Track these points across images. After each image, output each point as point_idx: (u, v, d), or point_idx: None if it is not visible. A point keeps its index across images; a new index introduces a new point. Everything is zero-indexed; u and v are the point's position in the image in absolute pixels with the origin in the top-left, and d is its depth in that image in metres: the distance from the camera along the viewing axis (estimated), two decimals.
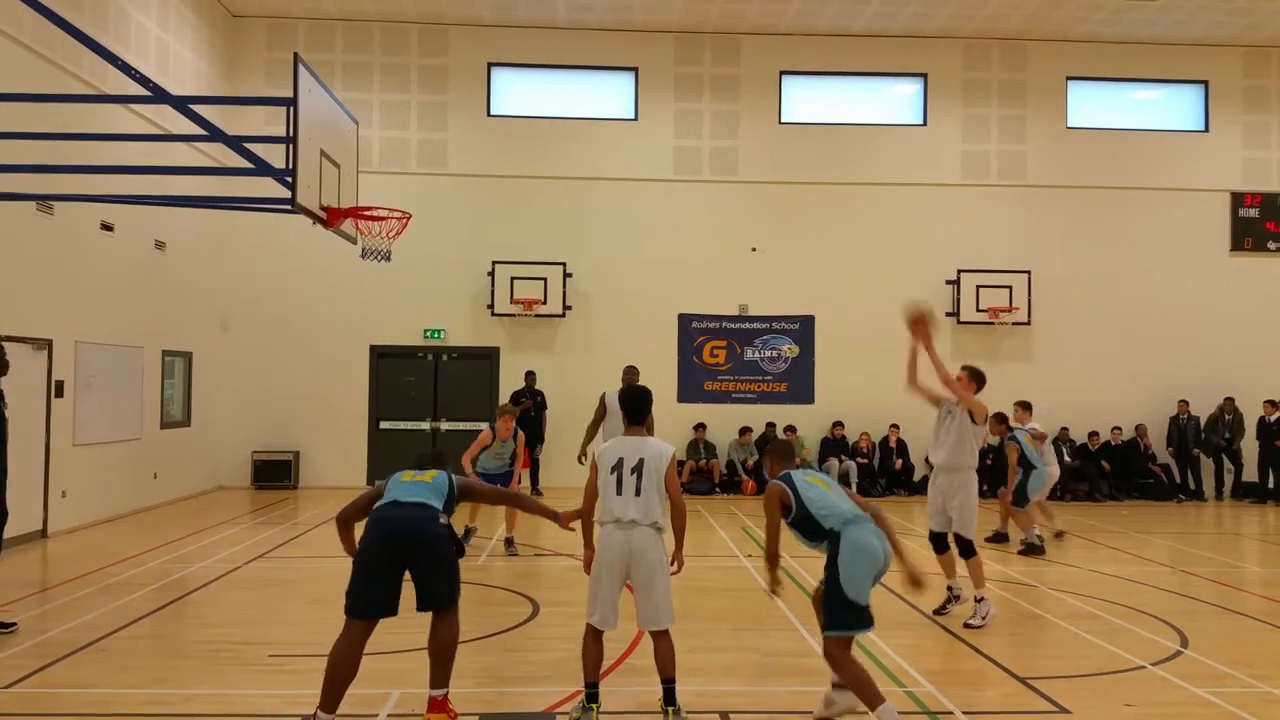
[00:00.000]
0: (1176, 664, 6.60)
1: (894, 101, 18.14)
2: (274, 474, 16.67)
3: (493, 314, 17.01)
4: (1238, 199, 17.93)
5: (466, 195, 17.24)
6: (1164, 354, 17.67)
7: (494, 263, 16.92)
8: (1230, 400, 17.22)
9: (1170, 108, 18.26)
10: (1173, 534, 13.21)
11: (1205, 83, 18.08)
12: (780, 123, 17.75)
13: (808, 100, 17.89)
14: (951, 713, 5.55)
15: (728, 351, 17.56)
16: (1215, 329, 17.68)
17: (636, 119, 17.63)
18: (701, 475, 16.76)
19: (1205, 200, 17.96)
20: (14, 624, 7.12)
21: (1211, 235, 17.96)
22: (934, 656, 6.73)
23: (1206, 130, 18.10)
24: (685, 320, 17.52)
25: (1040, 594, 8.84)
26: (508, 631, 7.32)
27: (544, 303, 16.86)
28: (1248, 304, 17.78)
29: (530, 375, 16.48)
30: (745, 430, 17.04)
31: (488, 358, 17.30)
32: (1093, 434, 17.21)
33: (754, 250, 17.52)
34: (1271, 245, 17.94)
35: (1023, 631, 7.54)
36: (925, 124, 17.88)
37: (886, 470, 17.06)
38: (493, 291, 16.93)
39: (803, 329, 17.60)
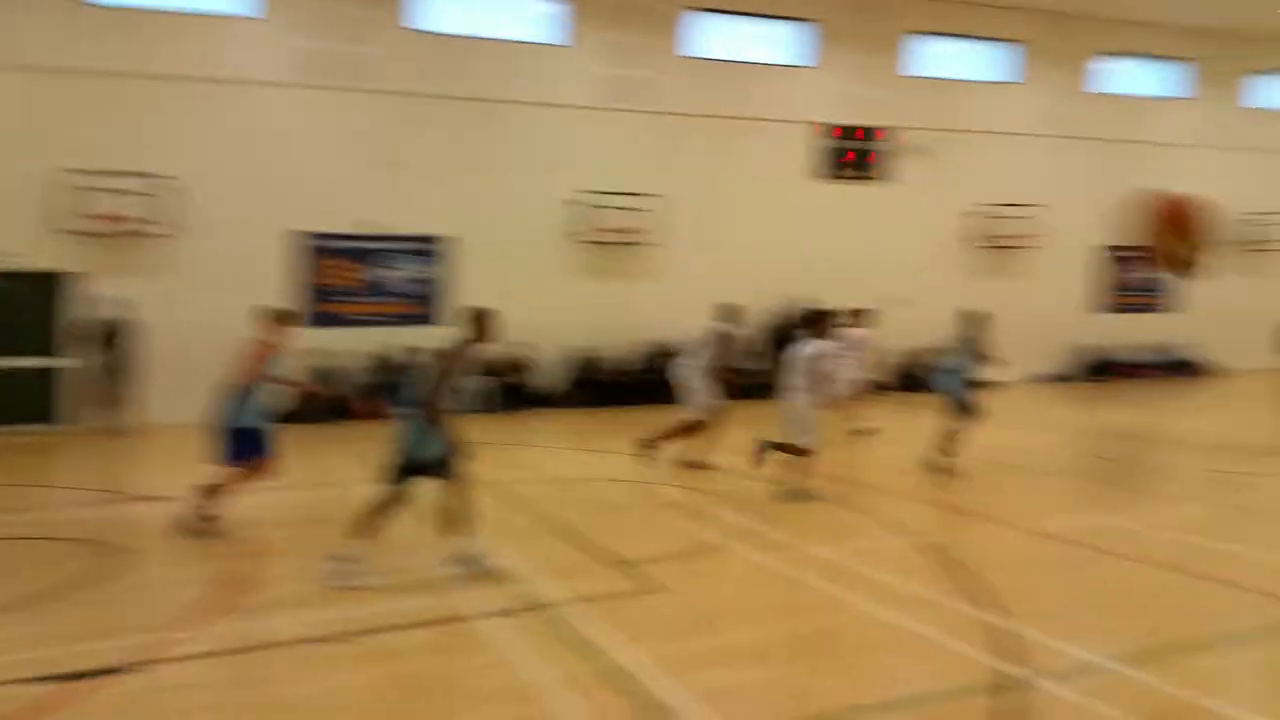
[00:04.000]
0: None
1: (537, 20, 17.72)
2: None
3: (66, 232, 14.54)
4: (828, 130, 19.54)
5: (32, 94, 14.59)
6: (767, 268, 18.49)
7: (66, 171, 14.44)
8: None
9: (782, 43, 19.53)
10: None
11: (816, 22, 19.45)
12: (417, 31, 16.70)
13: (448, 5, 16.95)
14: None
15: (358, 272, 16.51)
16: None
17: (266, 18, 15.74)
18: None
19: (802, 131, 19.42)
20: None
21: (800, 162, 19.45)
22: None
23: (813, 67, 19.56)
24: (307, 238, 16.18)
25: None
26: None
27: (142, 221, 14.69)
28: (834, 222, 19.36)
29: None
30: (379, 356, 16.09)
31: (50, 282, 14.71)
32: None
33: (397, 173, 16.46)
34: (849, 172, 19.71)
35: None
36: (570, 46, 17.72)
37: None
38: (67, 206, 14.40)
39: (441, 249, 16.96)
